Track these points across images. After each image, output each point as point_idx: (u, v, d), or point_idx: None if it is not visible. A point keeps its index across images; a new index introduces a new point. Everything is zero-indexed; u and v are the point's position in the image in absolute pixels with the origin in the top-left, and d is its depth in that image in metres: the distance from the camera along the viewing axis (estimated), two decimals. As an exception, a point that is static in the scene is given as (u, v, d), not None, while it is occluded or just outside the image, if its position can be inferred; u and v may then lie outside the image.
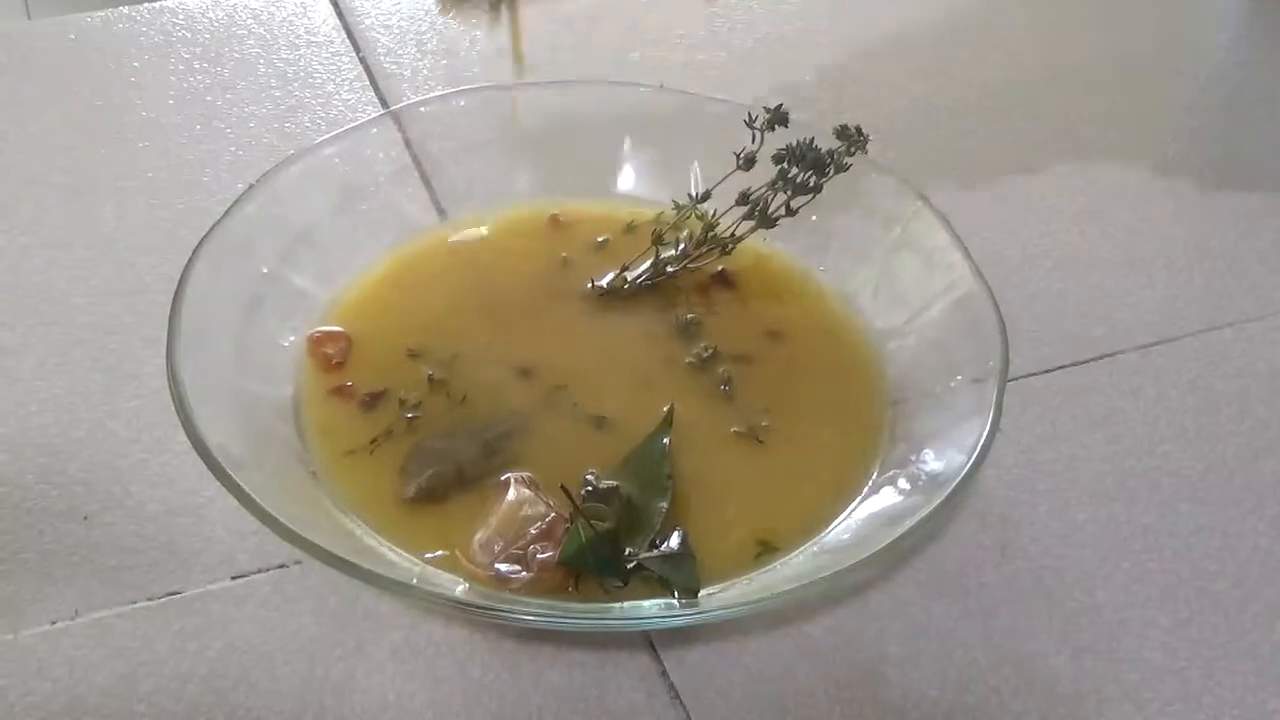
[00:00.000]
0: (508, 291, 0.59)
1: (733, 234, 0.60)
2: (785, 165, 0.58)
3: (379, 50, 0.76)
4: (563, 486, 0.47)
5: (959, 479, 0.46)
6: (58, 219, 0.63)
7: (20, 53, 0.74)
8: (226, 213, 0.54)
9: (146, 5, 0.77)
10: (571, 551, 0.45)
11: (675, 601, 0.45)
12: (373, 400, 0.53)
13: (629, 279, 0.59)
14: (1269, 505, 0.54)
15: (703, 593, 0.46)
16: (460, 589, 0.45)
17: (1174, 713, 0.47)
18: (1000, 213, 0.69)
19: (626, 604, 0.45)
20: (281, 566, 0.49)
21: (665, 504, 0.48)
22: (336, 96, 0.72)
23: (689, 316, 0.58)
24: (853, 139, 0.58)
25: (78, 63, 0.73)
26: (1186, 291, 0.65)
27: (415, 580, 0.44)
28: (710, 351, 0.56)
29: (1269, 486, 0.55)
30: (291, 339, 0.54)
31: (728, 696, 0.46)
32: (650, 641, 0.47)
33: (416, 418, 0.52)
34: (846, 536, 0.48)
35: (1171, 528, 0.53)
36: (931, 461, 0.50)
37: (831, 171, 0.58)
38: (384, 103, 0.72)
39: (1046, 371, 0.60)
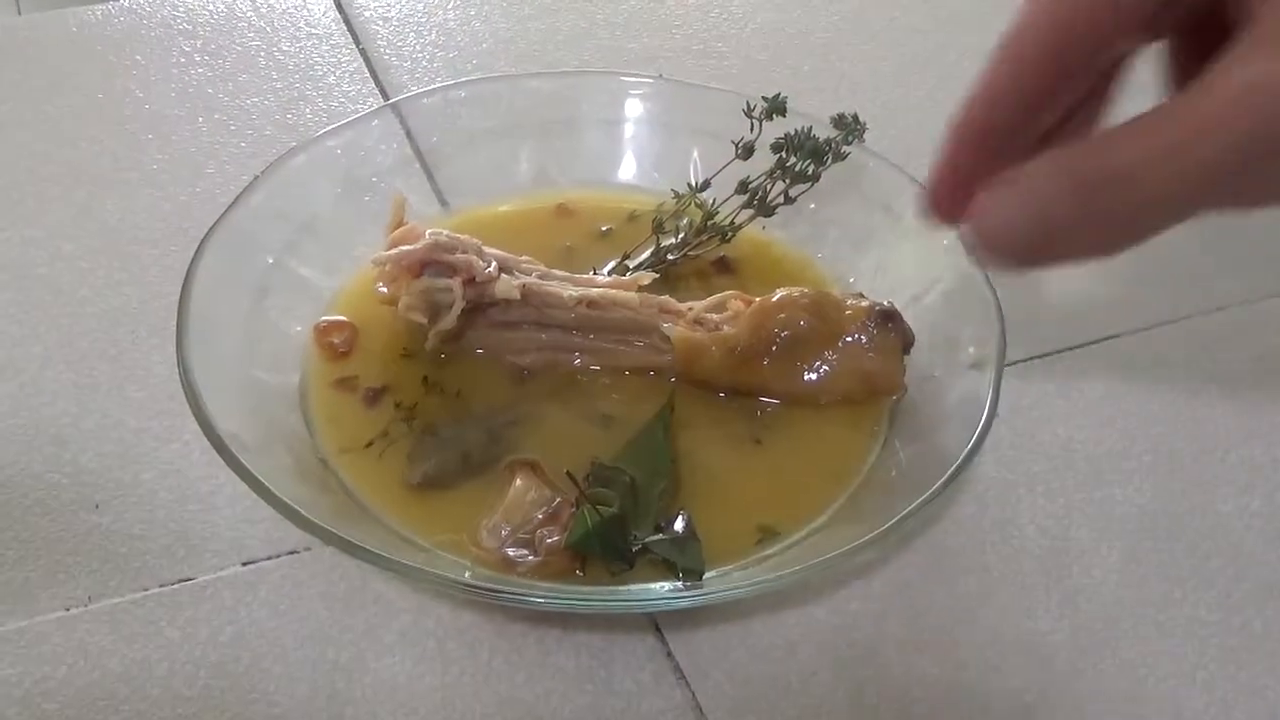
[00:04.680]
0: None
1: (732, 222, 0.60)
2: (784, 154, 0.59)
3: (379, 42, 0.77)
4: (568, 473, 0.48)
5: (958, 462, 0.47)
6: (62, 212, 0.64)
7: (21, 46, 0.74)
8: (232, 204, 0.55)
9: (146, -2, 0.78)
10: (578, 536, 0.46)
11: (680, 584, 0.46)
12: (375, 395, 0.53)
13: (630, 267, 0.60)
14: (1260, 485, 0.55)
15: (707, 575, 0.46)
16: (468, 573, 0.46)
17: (1169, 689, 0.48)
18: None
19: (632, 586, 0.46)
20: (291, 553, 0.49)
21: (667, 488, 0.49)
22: (337, 88, 0.73)
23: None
24: (850, 128, 0.59)
25: (79, 56, 0.74)
26: (1180, 276, 0.65)
27: (424, 564, 0.45)
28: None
29: (1261, 467, 0.56)
30: (298, 328, 0.55)
31: (732, 676, 0.47)
32: (655, 623, 0.48)
33: (418, 405, 0.52)
34: (847, 519, 0.49)
35: (1166, 508, 0.54)
36: (931, 445, 0.50)
37: (829, 160, 0.59)
38: (384, 94, 0.73)
39: (1043, 356, 0.60)
